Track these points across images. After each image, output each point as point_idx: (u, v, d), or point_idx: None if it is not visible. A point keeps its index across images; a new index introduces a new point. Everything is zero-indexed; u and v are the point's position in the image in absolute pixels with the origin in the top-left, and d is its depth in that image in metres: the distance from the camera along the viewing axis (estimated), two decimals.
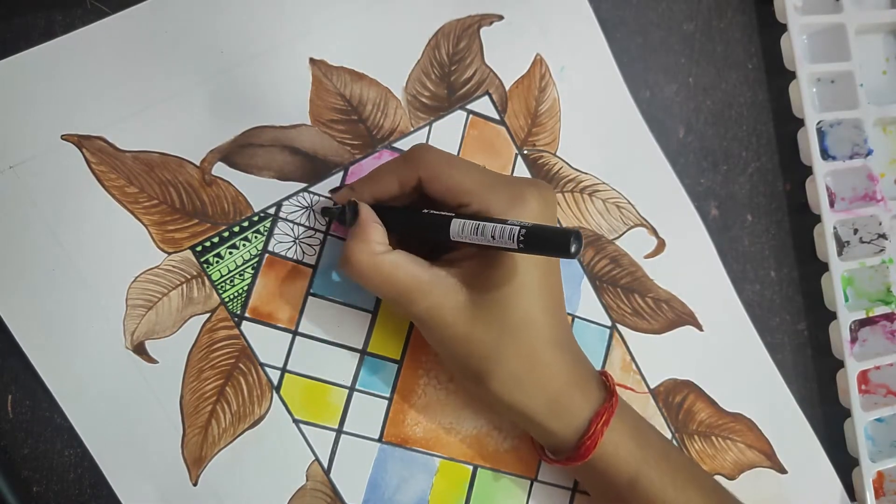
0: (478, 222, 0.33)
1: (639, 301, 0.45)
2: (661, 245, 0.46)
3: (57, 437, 0.38)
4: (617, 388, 0.39)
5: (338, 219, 0.40)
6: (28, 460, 0.38)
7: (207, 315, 0.39)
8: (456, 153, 0.43)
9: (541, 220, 0.35)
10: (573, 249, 0.30)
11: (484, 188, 0.35)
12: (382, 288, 0.35)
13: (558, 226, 0.32)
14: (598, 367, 0.44)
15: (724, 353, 0.46)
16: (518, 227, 0.32)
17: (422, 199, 0.37)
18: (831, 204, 0.47)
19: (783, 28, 0.47)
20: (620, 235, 0.45)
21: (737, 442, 0.46)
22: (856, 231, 0.48)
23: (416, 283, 0.35)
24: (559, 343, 0.37)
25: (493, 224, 0.33)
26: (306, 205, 0.40)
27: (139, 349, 0.38)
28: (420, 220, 0.36)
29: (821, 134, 0.48)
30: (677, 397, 0.45)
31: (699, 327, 0.46)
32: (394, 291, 0.35)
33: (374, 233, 0.36)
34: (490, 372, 0.36)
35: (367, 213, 0.37)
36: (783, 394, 0.47)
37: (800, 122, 0.47)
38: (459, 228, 0.34)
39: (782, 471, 0.47)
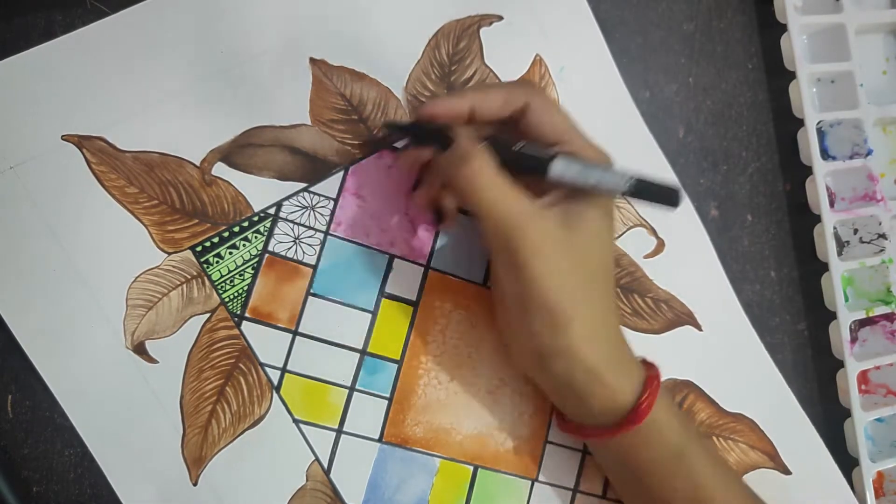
0: (584, 164, 0.35)
1: (638, 301, 0.45)
2: (661, 245, 0.46)
3: (57, 437, 0.38)
4: None
5: (412, 137, 0.39)
6: (28, 460, 0.38)
7: (207, 315, 0.39)
8: None
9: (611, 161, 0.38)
10: (678, 202, 0.34)
11: (579, 137, 0.37)
12: (498, 205, 0.35)
13: (660, 180, 0.35)
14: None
15: (724, 353, 0.46)
16: (628, 175, 0.35)
17: (505, 132, 0.37)
18: (831, 204, 0.47)
19: (783, 28, 0.47)
20: (620, 235, 0.45)
21: (739, 442, 0.46)
22: (856, 231, 0.48)
23: (524, 211, 0.35)
24: (615, 310, 0.39)
25: (600, 169, 0.35)
26: (306, 205, 0.40)
27: (139, 349, 0.38)
28: (518, 155, 0.36)
29: (821, 134, 0.48)
30: (677, 397, 0.45)
31: (698, 327, 0.46)
32: (503, 213, 0.35)
33: (485, 152, 0.35)
34: (573, 317, 0.35)
35: (470, 131, 0.36)
36: (784, 394, 0.47)
37: (800, 122, 0.47)
38: (564, 167, 0.35)
39: (786, 472, 0.46)
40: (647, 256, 0.45)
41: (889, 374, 0.48)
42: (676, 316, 0.46)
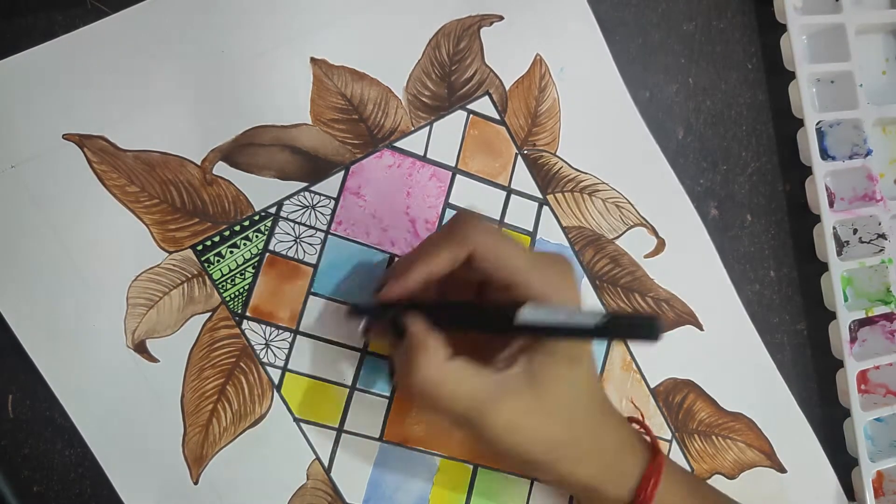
0: (553, 307, 0.33)
1: (639, 301, 0.45)
2: (661, 245, 0.46)
3: (57, 437, 0.38)
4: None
5: (374, 319, 0.38)
6: (28, 460, 0.38)
7: (208, 314, 0.39)
8: (457, 153, 0.43)
9: (575, 294, 0.35)
10: (658, 335, 0.30)
11: (530, 268, 0.34)
12: (454, 401, 0.33)
13: (639, 312, 0.33)
14: (598, 367, 0.44)
15: (724, 353, 0.46)
16: (601, 313, 0.32)
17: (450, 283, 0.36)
18: (831, 204, 0.47)
19: (783, 28, 0.47)
20: (620, 235, 0.45)
21: (737, 441, 0.46)
22: (855, 231, 0.48)
23: (485, 393, 0.33)
24: (608, 408, 0.38)
25: (570, 308, 0.32)
26: (307, 204, 0.40)
27: (140, 348, 0.38)
28: (481, 312, 0.35)
29: (820, 134, 0.48)
30: (677, 397, 0.45)
31: (699, 327, 0.46)
32: (467, 402, 0.33)
33: (433, 341, 0.33)
34: (562, 459, 0.36)
35: (417, 320, 0.34)
36: (783, 393, 0.47)
37: (799, 123, 0.47)
38: (532, 310, 0.32)
39: (782, 470, 0.47)
40: (647, 256, 0.45)
41: (888, 374, 0.48)
42: (678, 316, 0.46)
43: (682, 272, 0.46)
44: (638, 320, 0.32)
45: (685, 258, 0.46)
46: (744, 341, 0.47)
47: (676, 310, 0.46)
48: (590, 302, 0.44)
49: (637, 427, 0.40)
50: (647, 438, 0.39)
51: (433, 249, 0.35)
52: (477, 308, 0.36)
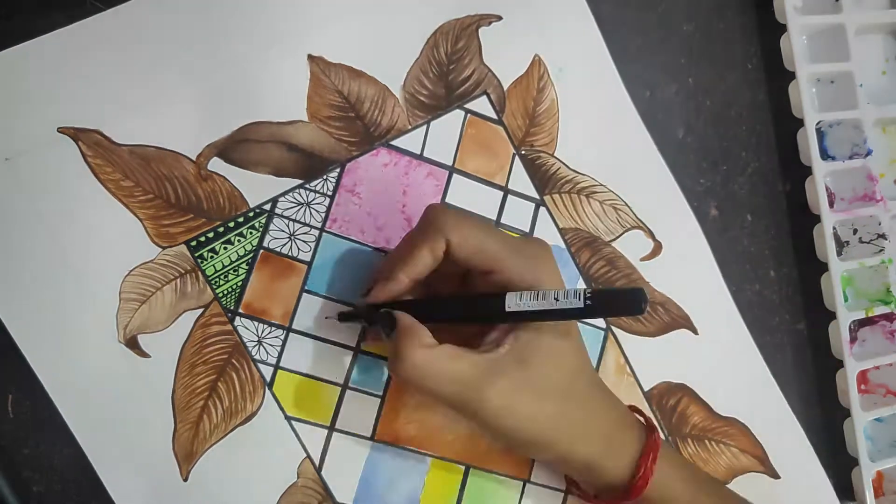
0: (538, 290, 0.33)
1: None
2: (658, 248, 0.45)
3: (57, 437, 0.38)
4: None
5: (366, 322, 0.38)
6: (28, 460, 0.38)
7: (201, 310, 0.39)
8: (454, 152, 0.43)
9: (557, 276, 0.36)
10: (644, 306, 0.30)
11: (509, 252, 0.35)
12: (443, 384, 0.33)
13: (623, 286, 0.33)
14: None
15: (719, 358, 0.46)
16: (583, 289, 0.32)
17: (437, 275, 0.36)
18: (831, 204, 0.47)
19: (783, 28, 0.47)
20: (617, 237, 0.45)
21: (730, 446, 0.46)
22: (855, 231, 0.48)
23: (478, 371, 0.34)
24: (600, 384, 0.38)
25: (554, 289, 0.33)
26: (302, 201, 0.40)
27: (132, 343, 0.38)
28: (465, 303, 0.35)
29: (820, 134, 0.48)
30: (671, 400, 0.45)
31: (694, 331, 0.46)
32: (457, 385, 0.33)
33: (420, 331, 0.34)
34: (558, 439, 0.36)
35: (404, 316, 0.35)
36: (777, 399, 0.47)
37: (799, 123, 0.47)
38: (517, 298, 0.33)
39: (775, 476, 0.46)
40: (643, 259, 0.45)
41: (888, 374, 0.48)
42: (673, 319, 0.45)
43: (678, 276, 0.46)
44: (622, 294, 0.32)
45: (681, 262, 0.46)
46: (738, 346, 0.46)
47: (672, 313, 0.45)
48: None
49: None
50: (642, 419, 0.39)
51: (412, 249, 0.35)
52: (464, 300, 0.36)
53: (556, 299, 0.32)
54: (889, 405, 0.47)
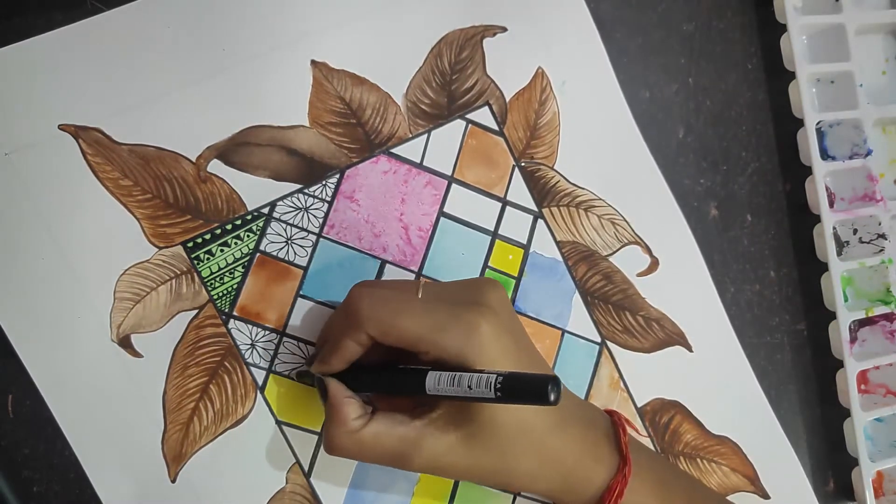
0: (454, 373, 0.33)
1: (629, 319, 0.45)
2: (655, 264, 0.45)
3: (57, 437, 0.38)
4: (629, 430, 0.40)
5: (310, 384, 0.40)
6: (28, 460, 0.38)
7: (195, 312, 0.39)
8: (454, 162, 0.43)
9: (497, 338, 0.35)
10: (552, 398, 0.30)
11: (434, 331, 0.34)
12: (373, 458, 0.35)
13: (535, 373, 0.32)
14: (585, 384, 0.44)
15: (713, 376, 0.46)
16: (495, 376, 0.32)
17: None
18: (831, 204, 0.47)
19: (783, 28, 0.47)
20: (614, 252, 0.45)
21: (721, 465, 0.46)
22: (855, 231, 0.48)
23: (403, 445, 0.35)
24: (561, 422, 0.37)
25: (469, 374, 0.33)
26: (300, 206, 0.40)
27: (125, 342, 0.38)
28: (392, 378, 0.36)
29: (820, 134, 0.48)
30: (664, 417, 0.45)
31: (689, 348, 0.46)
32: (386, 460, 0.35)
33: (347, 410, 0.35)
34: (507, 484, 0.38)
35: (335, 389, 0.36)
36: (769, 419, 0.46)
37: (799, 123, 0.47)
38: (435, 381, 0.33)
39: (765, 496, 0.46)
40: (640, 274, 0.45)
41: (888, 374, 0.48)
42: (668, 336, 0.45)
43: (675, 292, 0.46)
44: (533, 385, 0.31)
45: (678, 278, 0.46)
46: (732, 365, 0.46)
47: (667, 329, 0.45)
48: (582, 318, 0.44)
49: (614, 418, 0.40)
50: (624, 440, 0.38)
51: (338, 339, 0.36)
52: (392, 375, 0.36)
53: (470, 387, 0.32)
54: (889, 405, 0.47)
